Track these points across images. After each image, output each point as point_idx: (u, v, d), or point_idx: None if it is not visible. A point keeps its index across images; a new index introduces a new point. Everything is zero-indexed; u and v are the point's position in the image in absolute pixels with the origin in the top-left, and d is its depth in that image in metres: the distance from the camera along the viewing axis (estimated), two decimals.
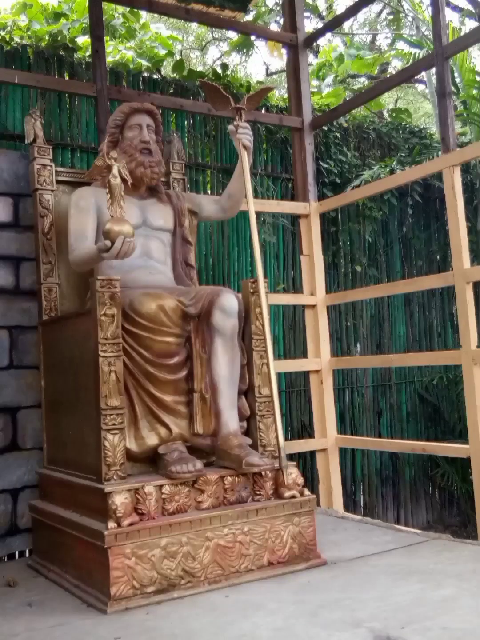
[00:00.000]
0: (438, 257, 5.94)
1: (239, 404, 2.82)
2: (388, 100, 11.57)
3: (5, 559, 3.24)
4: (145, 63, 5.52)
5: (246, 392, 2.87)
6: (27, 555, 3.25)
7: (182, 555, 2.43)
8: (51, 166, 3.24)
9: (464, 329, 3.47)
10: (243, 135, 2.94)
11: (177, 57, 7.06)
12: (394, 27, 11.25)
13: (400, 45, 9.88)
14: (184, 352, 2.73)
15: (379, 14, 12.26)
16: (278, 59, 11.13)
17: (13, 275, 3.32)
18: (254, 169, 4.78)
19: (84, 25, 5.70)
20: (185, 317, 2.72)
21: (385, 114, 8.28)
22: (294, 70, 4.61)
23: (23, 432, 3.26)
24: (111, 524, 2.33)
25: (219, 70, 5.44)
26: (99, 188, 3.02)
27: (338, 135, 5.40)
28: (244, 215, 4.35)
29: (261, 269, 2.81)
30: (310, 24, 10.33)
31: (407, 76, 4.49)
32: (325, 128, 5.25)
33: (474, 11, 8.69)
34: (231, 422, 2.73)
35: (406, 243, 5.73)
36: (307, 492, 2.72)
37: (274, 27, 9.38)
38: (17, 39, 4.41)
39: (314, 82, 7.86)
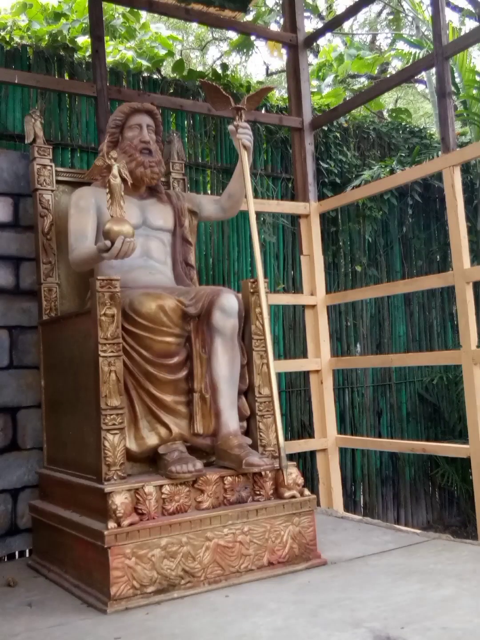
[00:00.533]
0: (438, 257, 5.94)
1: (239, 404, 2.82)
2: (388, 100, 11.57)
3: (5, 559, 3.24)
4: (145, 63, 5.52)
5: (246, 392, 2.88)
6: (27, 555, 3.25)
7: (182, 555, 2.43)
8: (51, 166, 3.24)
9: (464, 329, 3.47)
10: (243, 135, 2.94)
11: (177, 57, 7.06)
12: (394, 27, 11.25)
13: (400, 45, 9.88)
14: (184, 352, 2.73)
15: (379, 14, 12.26)
16: (278, 59, 11.14)
17: (13, 275, 3.32)
18: (254, 169, 4.78)
19: (84, 25, 5.69)
20: (185, 317, 2.72)
21: (385, 114, 8.29)
22: (294, 70, 4.61)
23: (23, 432, 3.26)
24: (111, 524, 2.33)
25: (219, 70, 5.44)
26: (99, 188, 3.02)
27: (338, 135, 5.40)
28: (244, 215, 4.35)
29: (261, 269, 2.81)
30: (310, 24, 10.34)
31: (407, 76, 4.48)
32: (325, 128, 5.25)
33: (474, 11, 8.70)
34: (231, 422, 2.73)
35: (406, 243, 5.74)
36: (307, 492, 2.72)
37: (274, 27, 9.38)
38: (17, 39, 4.41)
39: (314, 82, 7.85)
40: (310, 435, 4.60)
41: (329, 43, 9.99)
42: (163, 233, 3.16)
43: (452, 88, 4.28)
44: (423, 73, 7.16)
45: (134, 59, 5.50)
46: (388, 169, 5.30)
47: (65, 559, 2.69)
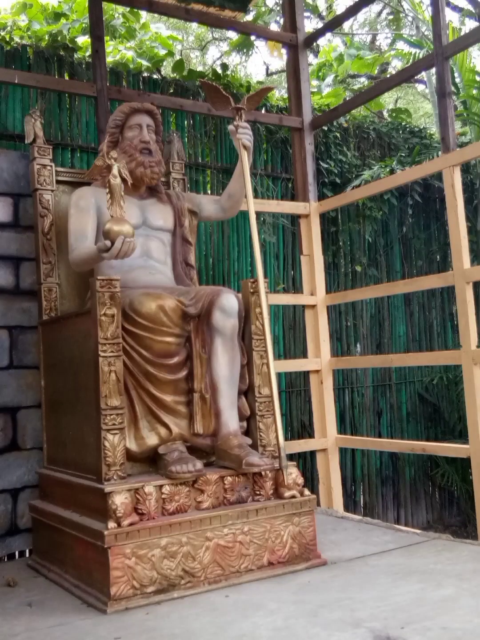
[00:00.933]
0: (438, 257, 5.95)
1: (239, 404, 2.82)
2: (388, 100, 11.57)
3: (5, 559, 3.24)
4: (145, 63, 5.52)
5: (246, 392, 2.88)
6: (27, 555, 3.25)
7: (182, 555, 2.43)
8: (51, 166, 3.24)
9: (464, 329, 3.47)
10: (243, 135, 2.94)
11: (177, 57, 7.06)
12: (394, 27, 11.26)
13: (400, 45, 9.88)
14: (184, 352, 2.73)
15: (379, 14, 12.26)
16: (278, 59, 11.14)
17: (13, 275, 3.32)
18: (254, 169, 4.78)
19: (84, 25, 5.69)
20: (185, 317, 2.72)
21: (385, 114, 8.29)
22: (294, 70, 4.61)
23: (23, 432, 3.27)
24: (111, 524, 2.33)
25: (219, 70, 5.44)
26: (99, 188, 3.02)
27: (338, 135, 5.40)
28: (244, 215, 4.35)
29: (261, 269, 2.81)
30: (310, 24, 10.34)
31: (407, 76, 4.48)
32: (325, 128, 5.25)
33: (474, 11, 8.70)
34: (231, 422, 2.73)
35: (406, 243, 5.74)
36: (307, 492, 2.72)
37: (274, 27, 9.38)
38: (17, 39, 4.41)
39: (314, 82, 7.85)
40: (310, 435, 4.60)
41: (329, 43, 10.00)
42: (163, 233, 3.16)
43: (452, 88, 4.28)
44: (423, 73, 7.16)
45: (134, 59, 5.50)
46: (388, 169, 5.30)
47: (65, 559, 2.69)
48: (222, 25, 4.96)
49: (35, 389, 3.24)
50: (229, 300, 2.76)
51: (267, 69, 12.06)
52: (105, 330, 2.53)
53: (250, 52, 10.26)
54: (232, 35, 10.09)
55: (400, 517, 5.43)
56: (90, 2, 3.89)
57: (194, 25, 11.86)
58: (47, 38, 4.77)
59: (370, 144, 5.72)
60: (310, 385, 4.38)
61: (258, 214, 4.46)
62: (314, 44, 7.61)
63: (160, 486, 2.49)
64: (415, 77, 8.22)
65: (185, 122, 4.68)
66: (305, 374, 4.61)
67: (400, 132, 5.95)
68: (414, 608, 2.11)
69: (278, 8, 9.38)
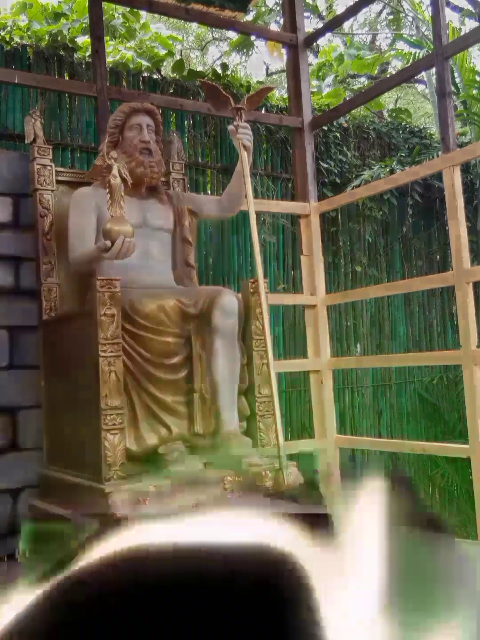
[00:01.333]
0: (438, 257, 5.95)
1: (239, 404, 2.82)
2: (388, 100, 11.57)
3: (5, 559, 3.24)
4: (145, 63, 5.51)
5: (246, 392, 2.88)
6: None
7: None
8: (51, 166, 3.23)
9: (464, 329, 3.47)
10: (243, 135, 2.94)
11: (177, 57, 7.05)
12: (394, 27, 11.26)
13: (400, 45, 9.89)
14: (184, 352, 2.74)
15: (379, 14, 12.27)
16: (278, 59, 11.13)
17: (13, 275, 3.32)
18: (254, 169, 4.78)
19: (84, 25, 5.68)
20: (185, 317, 2.72)
21: (385, 114, 8.29)
22: (294, 70, 4.61)
23: (23, 432, 3.26)
24: None
25: (219, 70, 5.44)
26: (99, 188, 3.02)
27: (338, 135, 5.40)
28: (244, 215, 4.34)
29: (261, 269, 2.81)
30: (310, 24, 10.32)
31: (407, 76, 4.48)
32: (325, 128, 5.25)
33: (474, 11, 8.70)
34: (231, 421, 2.73)
35: (406, 243, 5.74)
36: None
37: (274, 27, 9.38)
38: (17, 39, 4.41)
39: (314, 82, 7.85)
40: (310, 435, 4.60)
41: (329, 43, 9.99)
42: (163, 233, 3.16)
43: (452, 88, 4.28)
44: (423, 73, 7.17)
45: (134, 59, 5.50)
46: (388, 169, 5.30)
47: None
48: (222, 25, 4.97)
49: (35, 389, 3.23)
50: (229, 300, 2.76)
51: (267, 69, 12.06)
52: (105, 330, 2.53)
53: (250, 52, 10.26)
54: (232, 35, 10.10)
55: None
56: (90, 2, 3.89)
57: (194, 25, 11.86)
58: (47, 38, 4.77)
59: (370, 144, 5.72)
60: (310, 385, 4.38)
61: (258, 214, 4.45)
62: (314, 44, 7.61)
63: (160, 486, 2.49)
64: (415, 77, 8.22)
65: (185, 122, 4.68)
66: (305, 374, 4.61)
67: (400, 132, 5.95)
68: None
69: (278, 8, 9.38)
